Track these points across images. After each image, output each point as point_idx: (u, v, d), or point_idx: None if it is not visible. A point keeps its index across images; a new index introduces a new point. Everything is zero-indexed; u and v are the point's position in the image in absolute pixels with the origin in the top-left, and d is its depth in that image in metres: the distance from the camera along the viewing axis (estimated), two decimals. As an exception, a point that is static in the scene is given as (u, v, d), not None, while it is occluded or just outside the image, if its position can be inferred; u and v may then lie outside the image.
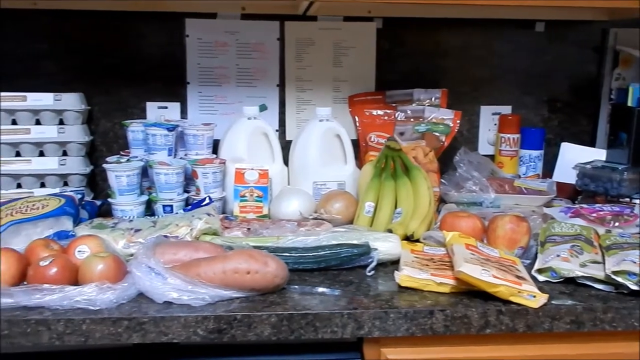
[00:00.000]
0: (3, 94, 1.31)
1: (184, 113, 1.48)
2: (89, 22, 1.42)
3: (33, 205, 1.14)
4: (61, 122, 1.35)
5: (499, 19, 1.49)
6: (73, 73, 1.44)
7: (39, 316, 0.85)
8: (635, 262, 0.93)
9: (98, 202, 1.35)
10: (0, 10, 1.38)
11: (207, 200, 1.25)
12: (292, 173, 1.38)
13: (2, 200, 1.18)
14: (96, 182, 1.49)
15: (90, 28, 1.43)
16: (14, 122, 1.33)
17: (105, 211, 1.31)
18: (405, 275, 0.95)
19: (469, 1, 1.16)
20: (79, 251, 0.97)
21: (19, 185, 1.36)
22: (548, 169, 1.54)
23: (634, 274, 0.92)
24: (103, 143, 1.48)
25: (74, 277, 0.92)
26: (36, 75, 1.43)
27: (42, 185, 1.37)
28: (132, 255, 1.02)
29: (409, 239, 1.14)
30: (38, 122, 1.34)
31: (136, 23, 1.43)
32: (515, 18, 1.49)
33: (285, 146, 1.43)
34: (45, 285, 0.88)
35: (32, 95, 1.32)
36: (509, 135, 1.47)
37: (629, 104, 1.39)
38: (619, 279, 0.92)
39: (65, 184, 1.38)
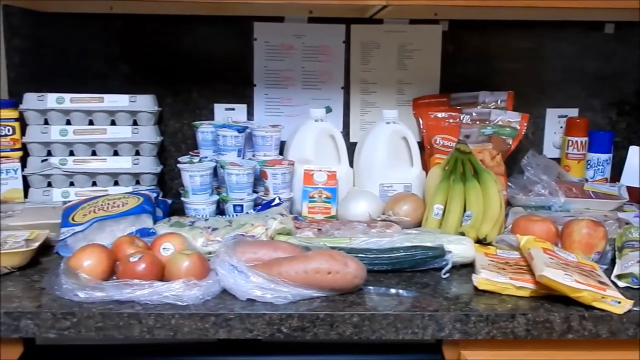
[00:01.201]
0: (82, 95, 1.37)
1: (250, 115, 1.51)
2: (160, 26, 1.47)
3: (113, 203, 1.19)
4: (135, 123, 1.41)
5: (566, 20, 1.47)
6: (144, 75, 1.49)
7: (131, 310, 0.89)
8: None
9: (169, 201, 1.39)
10: (79, 14, 1.44)
11: (277, 201, 1.28)
12: (357, 175, 1.40)
13: (81, 199, 1.24)
14: (164, 181, 1.53)
15: (162, 32, 1.47)
16: (90, 123, 1.39)
17: (175, 210, 1.35)
18: (484, 279, 0.96)
19: (534, 2, 1.15)
20: (164, 248, 1.01)
21: (94, 184, 1.42)
22: (615, 173, 1.51)
23: None
24: (172, 143, 1.53)
25: (161, 273, 0.96)
26: (110, 77, 1.48)
27: (116, 183, 1.42)
28: (210, 253, 1.06)
29: (480, 242, 1.14)
30: (113, 123, 1.40)
31: (206, 27, 1.47)
32: (583, 20, 1.47)
33: (349, 148, 1.44)
34: (136, 281, 0.92)
35: (108, 97, 1.38)
36: (576, 138, 1.45)
37: None
38: None
39: (137, 182, 1.43)
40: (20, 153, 1.40)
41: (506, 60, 1.51)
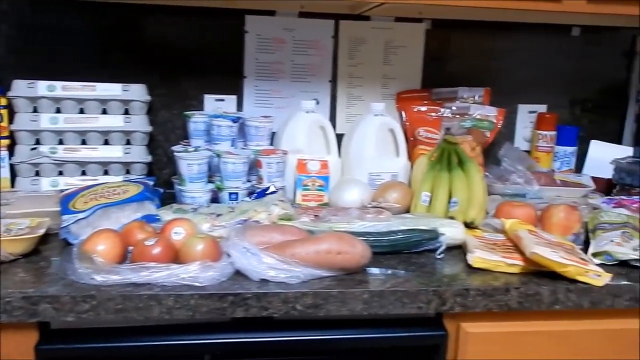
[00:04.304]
0: (74, 83, 1.36)
1: (239, 106, 1.55)
2: (153, 16, 1.48)
3: (114, 190, 1.20)
4: (126, 112, 1.41)
5: (539, 23, 1.58)
6: (134, 65, 1.49)
7: (150, 292, 0.92)
8: (683, 247, 1.04)
9: (161, 190, 1.41)
10: (71, 2, 1.43)
11: (272, 189, 1.32)
12: (347, 164, 1.46)
13: (79, 187, 1.24)
14: (152, 171, 1.54)
15: (154, 22, 1.48)
16: (81, 111, 1.39)
17: (166, 199, 1.36)
18: (478, 257, 1.04)
19: (510, 4, 1.24)
20: (176, 232, 1.04)
21: (83, 173, 1.41)
22: (577, 165, 1.64)
23: (685, 257, 1.02)
24: (161, 133, 1.54)
25: (174, 256, 0.99)
26: (98, 67, 1.48)
27: (106, 172, 1.42)
28: (217, 238, 1.09)
29: (467, 226, 1.23)
30: (104, 112, 1.40)
31: (198, 18, 1.49)
32: (553, 22, 1.59)
33: (336, 139, 1.50)
34: (152, 263, 0.95)
35: (101, 86, 1.38)
36: (546, 132, 1.57)
37: (657, 105, 1.50)
38: (671, 262, 1.03)
39: (128, 172, 1.44)
40: (7, 141, 1.38)
41: (484, 59, 1.61)
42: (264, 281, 0.97)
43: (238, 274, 0.98)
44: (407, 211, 1.32)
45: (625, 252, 1.07)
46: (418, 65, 1.57)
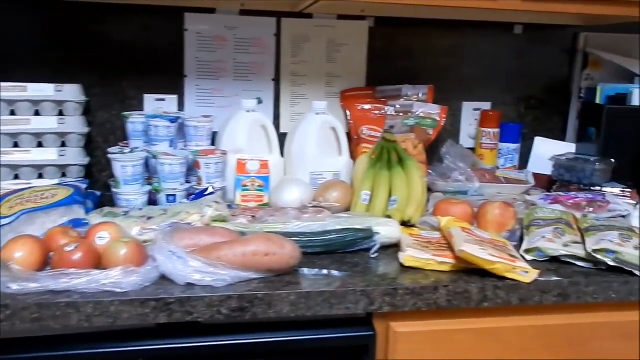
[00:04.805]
0: (3, 84, 1.32)
1: (181, 106, 1.52)
2: (89, 14, 1.44)
3: (42, 194, 1.16)
4: (60, 113, 1.37)
5: (483, 21, 1.59)
6: (72, 65, 1.45)
7: (68, 299, 0.89)
8: (612, 242, 1.05)
9: (98, 193, 1.37)
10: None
11: (210, 190, 1.30)
12: (289, 164, 1.45)
13: (7, 192, 1.20)
14: (92, 173, 1.50)
15: (91, 20, 1.44)
16: (12, 113, 1.34)
17: (104, 202, 1.33)
18: (409, 256, 1.04)
19: (444, 2, 1.23)
20: (99, 237, 1.01)
21: (16, 177, 1.37)
22: (522, 162, 1.66)
23: (612, 251, 1.03)
24: (100, 134, 1.50)
25: (97, 262, 0.96)
26: (35, 67, 1.43)
27: (40, 176, 1.38)
28: (146, 241, 1.06)
29: (405, 224, 1.22)
30: (37, 113, 1.36)
31: (136, 16, 1.46)
32: (496, 21, 1.60)
33: (280, 138, 1.49)
34: (72, 270, 0.92)
35: (32, 86, 1.33)
36: (489, 129, 1.58)
37: (598, 102, 1.52)
38: (599, 257, 1.03)
39: (64, 175, 1.39)
40: None
41: (428, 57, 1.61)
42: (190, 285, 0.94)
43: (164, 278, 0.96)
44: (349, 210, 1.31)
45: (556, 248, 1.07)
46: (362, 63, 1.57)
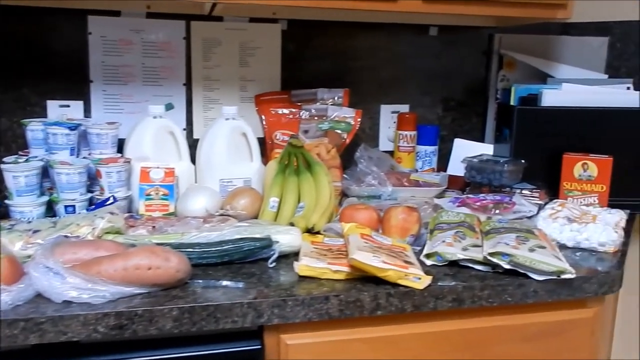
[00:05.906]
0: None
1: (87, 112, 1.46)
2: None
3: None
4: (-48, 122, 1.30)
5: (397, 23, 1.58)
6: (-34, 70, 1.38)
7: None
8: (508, 244, 1.04)
9: (-6, 205, 1.30)
10: None
11: (111, 200, 1.25)
12: (199, 171, 1.40)
13: None
14: (-7, 183, 1.43)
15: (-13, 23, 1.38)
16: None
17: (3, 214, 1.27)
18: (304, 265, 1.01)
19: (343, 4, 1.22)
20: (-30, 254, 0.95)
21: None
22: (443, 163, 1.66)
23: (507, 254, 1.03)
24: (1, 143, 1.43)
25: (-34, 281, 0.90)
26: None
27: None
28: (29, 256, 1.01)
29: (310, 231, 1.20)
30: None
31: (38, 19, 1.39)
32: (410, 23, 1.59)
33: (193, 145, 1.45)
34: None
35: None
36: (406, 132, 1.57)
37: (512, 103, 1.53)
38: (494, 260, 1.03)
39: (-42, 186, 1.32)
40: None
41: (345, 59, 1.59)
42: (67, 303, 0.90)
43: (40, 296, 0.91)
44: (257, 218, 1.28)
45: (454, 252, 1.07)
46: (276, 67, 1.54)
